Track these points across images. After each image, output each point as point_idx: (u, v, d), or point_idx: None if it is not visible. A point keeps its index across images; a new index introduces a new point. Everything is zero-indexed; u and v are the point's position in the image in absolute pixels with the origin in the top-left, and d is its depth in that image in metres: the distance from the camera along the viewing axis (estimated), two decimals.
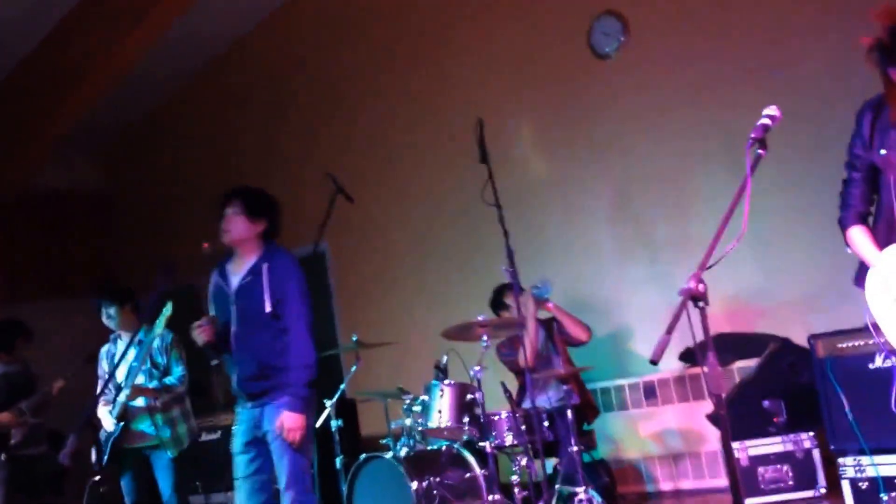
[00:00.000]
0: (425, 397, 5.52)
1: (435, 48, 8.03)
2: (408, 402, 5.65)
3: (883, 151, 3.25)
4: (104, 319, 5.98)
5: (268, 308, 4.30)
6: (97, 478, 5.50)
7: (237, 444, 4.43)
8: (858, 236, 3.36)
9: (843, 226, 3.42)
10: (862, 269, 3.35)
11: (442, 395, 5.40)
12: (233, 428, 4.50)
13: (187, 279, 6.11)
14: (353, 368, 6.19)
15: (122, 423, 5.65)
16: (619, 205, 6.93)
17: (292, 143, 9.26)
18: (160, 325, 5.52)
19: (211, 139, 10.10)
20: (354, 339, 6.11)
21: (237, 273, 4.46)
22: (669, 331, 2.68)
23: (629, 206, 6.87)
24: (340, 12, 8.83)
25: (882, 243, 3.28)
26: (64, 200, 10.75)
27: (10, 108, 9.03)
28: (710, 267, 2.81)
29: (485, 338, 5.29)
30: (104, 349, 6.11)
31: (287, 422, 4.22)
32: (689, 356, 6.09)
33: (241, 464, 4.40)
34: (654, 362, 2.70)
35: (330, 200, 6.35)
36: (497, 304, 6.13)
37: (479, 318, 5.32)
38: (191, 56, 9.69)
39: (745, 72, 6.18)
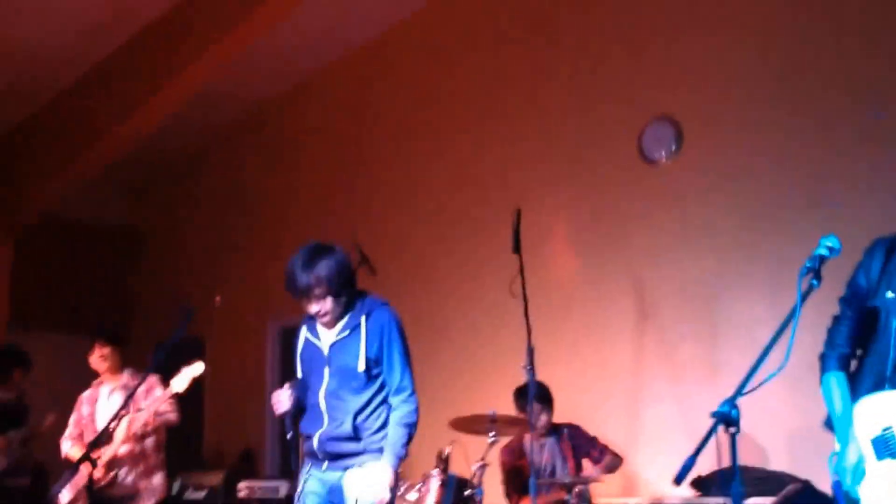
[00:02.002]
0: (422, 487, 5.33)
1: (481, 129, 7.96)
2: (402, 490, 5.44)
3: (890, 294, 3.17)
4: (94, 359, 5.93)
5: (361, 367, 4.05)
6: None
7: None
8: (835, 386, 3.33)
9: (823, 367, 3.39)
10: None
11: (439, 487, 5.22)
12: (299, 492, 4.15)
13: (196, 329, 5.95)
14: None
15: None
16: (646, 317, 6.74)
17: (315, 205, 9.16)
18: (183, 383, 5.41)
19: (239, 192, 10.05)
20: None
21: (331, 328, 4.18)
22: (697, 453, 2.65)
23: (656, 321, 6.69)
24: (384, 81, 8.82)
25: (867, 389, 3.21)
26: (86, 232, 10.66)
27: (48, 137, 9.03)
28: (746, 393, 2.75)
29: (492, 433, 5.13)
30: (86, 394, 6.04)
31: (381, 481, 3.93)
32: (702, 485, 5.79)
33: None
34: (677, 483, 2.63)
35: (355, 269, 6.24)
36: (518, 403, 5.92)
37: (491, 413, 5.18)
38: (229, 107, 9.71)
39: (798, 199, 6.04)
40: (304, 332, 4.28)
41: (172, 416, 5.83)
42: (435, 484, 5.33)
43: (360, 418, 4.04)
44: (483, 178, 7.81)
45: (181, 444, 6.26)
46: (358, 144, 8.95)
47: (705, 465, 5.18)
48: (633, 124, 6.86)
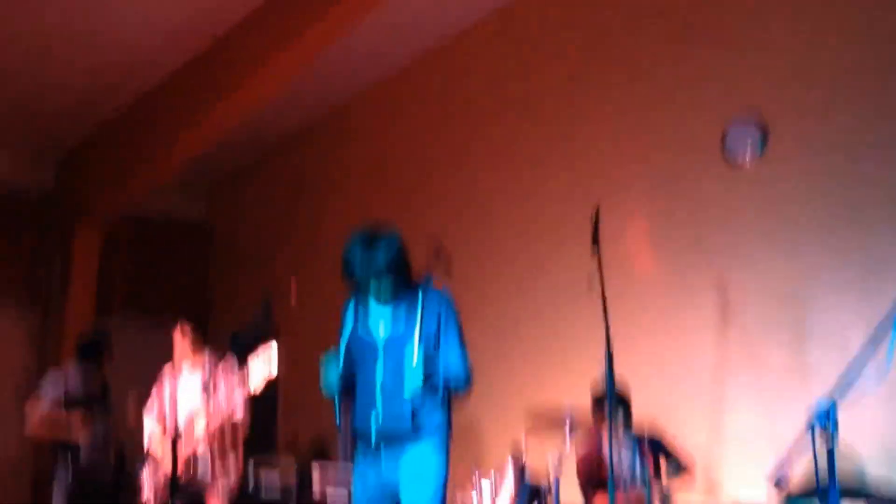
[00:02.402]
0: (496, 478, 5.29)
1: (560, 126, 7.86)
2: (478, 481, 5.40)
3: None
4: (177, 338, 6.06)
5: (415, 360, 4.04)
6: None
7: (357, 495, 4.16)
8: None
9: None
10: None
11: (514, 480, 5.17)
12: (352, 478, 4.20)
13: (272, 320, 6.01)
14: None
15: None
16: (729, 320, 6.56)
17: (390, 201, 9.17)
18: (257, 379, 5.46)
19: (314, 191, 10.11)
20: None
21: (384, 314, 4.17)
22: (795, 456, 2.56)
23: (739, 324, 6.48)
24: (461, 79, 8.82)
25: None
26: (167, 226, 10.90)
27: (133, 136, 9.22)
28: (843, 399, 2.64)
29: (569, 428, 5.07)
30: (167, 377, 6.16)
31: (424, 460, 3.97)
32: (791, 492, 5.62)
33: None
34: (778, 484, 2.54)
35: (427, 265, 6.24)
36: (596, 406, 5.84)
37: (567, 408, 5.11)
38: (307, 105, 9.82)
39: (890, 198, 5.81)
40: (352, 312, 4.25)
41: (240, 426, 5.92)
42: (509, 477, 5.28)
43: (414, 406, 4.02)
44: (562, 175, 7.71)
45: (256, 432, 6.31)
46: (435, 142, 8.95)
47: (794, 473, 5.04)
48: (717, 123, 6.69)
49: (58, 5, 7.65)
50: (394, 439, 4.03)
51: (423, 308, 4.09)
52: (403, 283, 4.11)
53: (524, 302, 7.76)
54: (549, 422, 5.30)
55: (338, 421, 4.22)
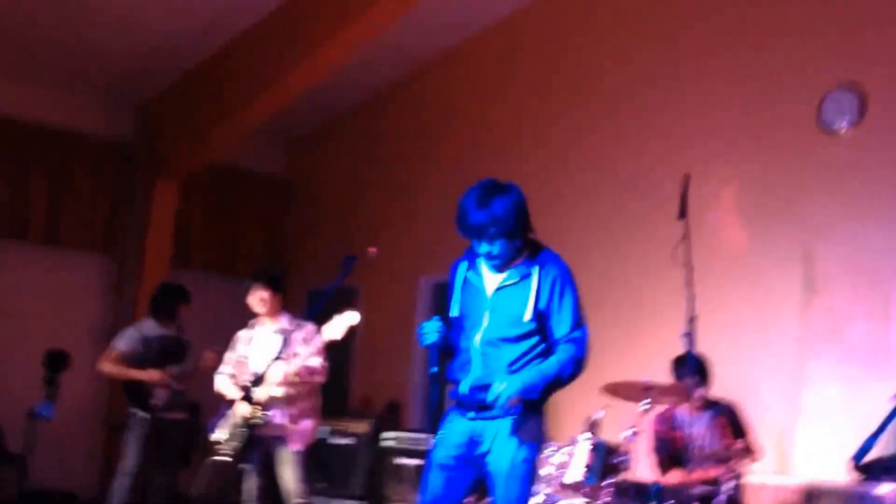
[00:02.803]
0: (570, 449, 5.23)
1: (649, 93, 7.71)
2: (552, 451, 5.34)
3: None
4: (253, 301, 6.06)
5: (528, 316, 3.82)
6: (221, 458, 5.52)
7: (440, 454, 3.90)
8: None
9: None
10: None
11: (588, 452, 5.11)
12: (436, 437, 3.95)
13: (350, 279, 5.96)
14: None
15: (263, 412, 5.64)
16: (814, 293, 6.40)
17: (473, 166, 8.91)
18: (338, 331, 5.41)
19: (398, 148, 10.06)
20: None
21: (500, 272, 3.94)
22: (878, 433, 2.47)
23: (825, 297, 6.34)
24: (551, 43, 8.64)
25: None
26: (244, 179, 10.93)
27: (214, 88, 9.22)
28: None
29: (646, 401, 4.98)
30: (244, 331, 6.18)
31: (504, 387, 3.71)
32: (870, 470, 5.47)
33: (436, 478, 3.88)
34: (856, 462, 2.43)
35: None
36: (676, 372, 5.73)
37: (645, 380, 5.02)
38: (391, 63, 9.69)
39: None
40: (462, 270, 4.04)
41: (320, 378, 5.90)
42: (583, 448, 5.23)
43: (513, 370, 3.80)
44: (651, 143, 7.56)
45: (329, 391, 6.33)
46: (521, 106, 8.80)
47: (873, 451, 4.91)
48: (813, 91, 6.49)
49: None
50: (486, 405, 3.78)
51: (540, 268, 3.88)
52: (519, 239, 3.89)
53: (609, 271, 7.61)
54: (626, 394, 5.21)
55: (432, 366, 3.96)
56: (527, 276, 3.87)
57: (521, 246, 3.91)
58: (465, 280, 4.01)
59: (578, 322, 3.86)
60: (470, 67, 9.42)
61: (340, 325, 5.40)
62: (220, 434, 5.82)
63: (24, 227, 9.29)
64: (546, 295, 3.84)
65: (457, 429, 3.90)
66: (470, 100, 9.40)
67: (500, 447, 3.80)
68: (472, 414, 3.87)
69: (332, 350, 5.78)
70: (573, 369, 3.80)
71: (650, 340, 6.79)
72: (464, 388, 3.88)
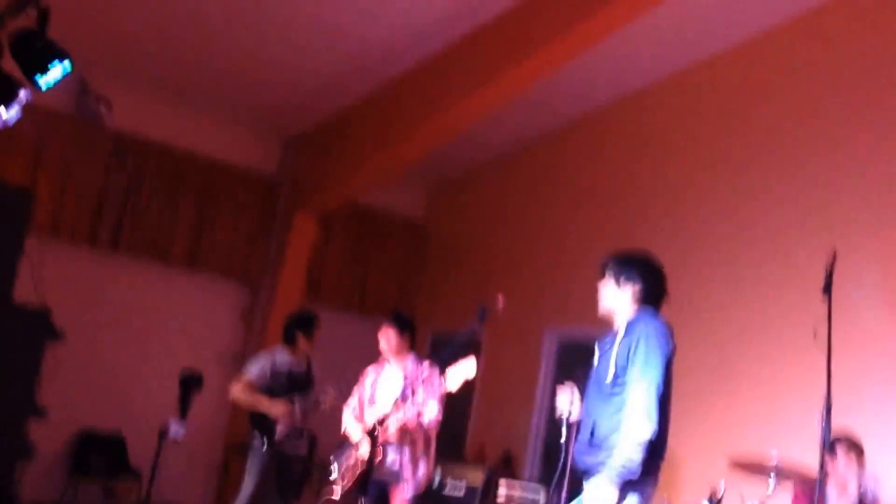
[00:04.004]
0: None
1: (797, 164, 7.55)
2: None
3: None
4: (381, 340, 6.09)
5: (608, 378, 4.02)
6: (335, 496, 5.55)
7: None
8: None
9: None
10: None
11: None
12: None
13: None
14: None
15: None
16: None
17: (615, 226, 8.97)
18: (457, 379, 5.45)
19: (535, 202, 10.06)
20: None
21: (610, 334, 4.25)
22: None
23: None
24: (691, 110, 8.62)
25: None
26: (381, 220, 11.07)
27: (360, 130, 9.43)
28: None
29: (771, 480, 4.78)
30: (370, 368, 6.22)
31: (592, 493, 3.87)
32: None
33: None
34: None
35: None
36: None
37: (774, 459, 4.82)
38: (537, 119, 9.78)
39: None
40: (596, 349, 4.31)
41: (434, 425, 5.91)
42: None
43: (599, 427, 3.98)
44: (795, 215, 7.40)
45: (445, 437, 6.31)
46: (656, 171, 8.78)
47: None
48: None
49: None
50: (584, 465, 4.03)
51: (626, 331, 4.09)
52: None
53: (745, 342, 7.46)
54: (753, 469, 5.02)
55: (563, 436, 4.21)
56: (615, 337, 4.13)
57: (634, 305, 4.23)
58: (601, 342, 4.28)
59: (641, 382, 3.93)
60: (609, 131, 9.43)
61: (458, 376, 5.43)
62: (336, 471, 5.85)
63: (168, 249, 9.59)
64: (625, 353, 4.02)
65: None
66: (607, 161, 9.39)
67: None
68: (581, 476, 4.07)
69: (452, 396, 5.77)
70: (635, 444, 3.85)
71: (783, 415, 6.60)
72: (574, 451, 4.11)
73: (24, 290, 6.13)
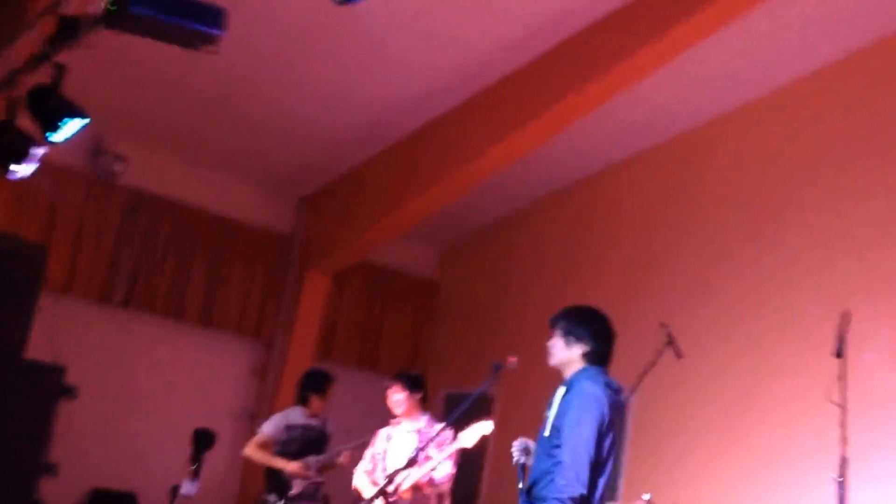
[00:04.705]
0: None
1: (807, 223, 7.55)
2: None
3: None
4: (390, 400, 6.07)
5: (547, 432, 4.11)
6: None
7: None
8: None
9: None
10: None
11: None
12: None
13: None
14: None
15: None
16: None
17: (620, 285, 9.01)
18: (471, 439, 5.43)
19: (550, 260, 10.06)
20: (648, 497, 5.59)
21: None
22: None
23: None
24: (706, 166, 8.66)
25: None
26: (393, 279, 11.10)
27: (370, 187, 9.53)
28: None
29: None
30: (384, 431, 6.18)
31: None
32: None
33: None
34: None
35: (657, 351, 6.14)
36: None
37: None
38: (547, 178, 9.87)
39: None
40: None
41: (447, 486, 5.87)
42: None
43: (536, 484, 4.07)
44: (806, 275, 7.38)
45: (458, 495, 6.24)
46: (669, 228, 8.80)
47: None
48: None
49: (318, 59, 8.00)
50: None
51: (565, 392, 4.18)
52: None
53: (753, 403, 7.41)
54: None
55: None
56: (556, 396, 4.18)
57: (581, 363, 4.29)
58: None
59: (568, 444, 3.99)
60: (622, 187, 9.47)
61: (474, 433, 5.40)
62: None
63: (181, 307, 9.62)
64: (563, 414, 4.07)
65: None
66: (620, 218, 9.42)
67: None
68: None
69: (465, 455, 5.73)
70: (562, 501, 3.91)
71: (797, 478, 6.50)
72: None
73: (38, 347, 6.15)
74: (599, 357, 4.27)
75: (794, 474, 6.63)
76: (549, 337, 4.38)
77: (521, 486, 4.19)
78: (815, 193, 7.58)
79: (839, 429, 4.75)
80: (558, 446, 4.02)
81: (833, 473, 4.84)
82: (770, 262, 7.73)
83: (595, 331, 4.30)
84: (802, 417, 6.72)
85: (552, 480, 3.98)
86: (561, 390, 4.19)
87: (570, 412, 4.03)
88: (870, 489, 5.65)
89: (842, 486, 4.75)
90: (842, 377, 4.85)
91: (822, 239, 7.38)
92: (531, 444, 4.28)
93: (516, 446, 4.30)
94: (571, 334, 4.28)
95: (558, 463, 3.98)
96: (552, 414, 4.12)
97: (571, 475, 3.91)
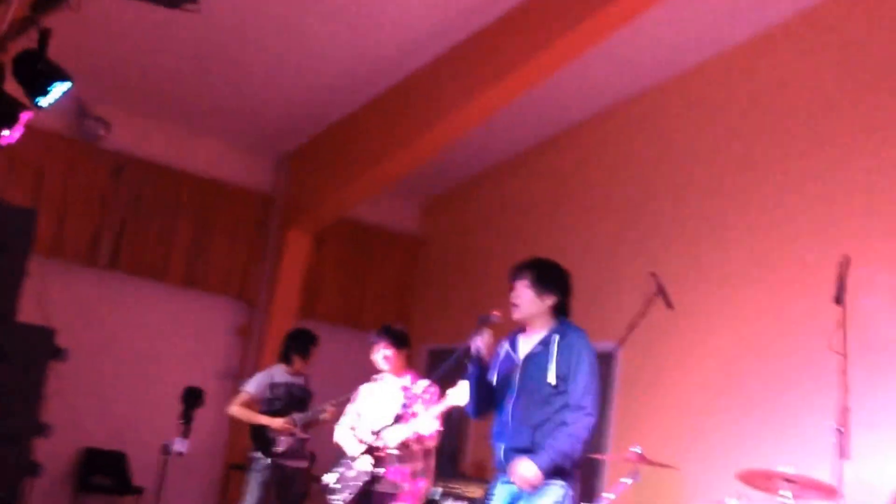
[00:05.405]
0: None
1: (807, 169, 7.45)
2: None
3: None
4: (377, 357, 6.09)
5: (551, 380, 4.14)
6: None
7: None
8: None
9: None
10: None
11: None
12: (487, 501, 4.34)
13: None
14: (629, 481, 5.71)
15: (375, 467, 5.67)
16: None
17: (614, 236, 9.01)
18: (463, 396, 5.43)
19: (535, 212, 10.07)
20: (638, 450, 5.67)
21: (527, 343, 4.35)
22: None
23: None
24: (696, 112, 8.57)
25: None
26: (376, 235, 11.12)
27: (352, 145, 9.48)
28: None
29: (789, 494, 4.77)
30: (366, 387, 6.21)
31: (522, 470, 4.05)
32: None
33: None
34: None
35: (646, 301, 6.14)
36: None
37: (786, 471, 4.80)
38: (529, 130, 9.83)
39: None
40: (505, 347, 4.44)
41: (432, 443, 5.90)
42: None
43: (539, 433, 4.11)
44: (806, 222, 7.32)
45: (445, 453, 6.31)
46: (665, 175, 8.71)
47: None
48: None
49: (296, 14, 7.95)
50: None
51: (560, 340, 4.24)
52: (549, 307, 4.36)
53: (749, 352, 7.38)
54: (763, 484, 4.98)
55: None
56: (549, 344, 4.24)
57: (549, 317, 4.35)
58: (506, 353, 4.41)
59: (587, 391, 4.15)
60: (608, 136, 9.42)
61: (465, 391, 5.40)
62: (334, 485, 5.86)
63: (166, 268, 9.62)
64: (565, 362, 4.17)
65: (500, 493, 4.25)
66: (605, 168, 9.39)
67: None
68: (509, 479, 4.17)
69: (451, 411, 5.77)
70: (575, 442, 4.09)
71: (795, 429, 6.52)
72: (501, 453, 4.24)
73: (27, 310, 6.13)
74: (565, 309, 4.39)
75: (794, 424, 6.63)
76: (511, 289, 4.41)
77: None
78: (812, 137, 7.49)
79: (839, 377, 4.76)
80: (562, 392, 4.13)
81: (833, 422, 4.85)
82: (764, 208, 7.67)
83: (563, 282, 4.40)
84: (801, 366, 6.71)
85: (564, 423, 4.10)
86: (554, 343, 4.23)
87: (583, 365, 4.16)
88: (871, 438, 5.67)
89: (842, 434, 4.77)
90: (841, 324, 4.86)
91: (818, 184, 7.30)
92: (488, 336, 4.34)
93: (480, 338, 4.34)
94: (542, 286, 4.34)
95: (564, 407, 4.12)
96: (552, 365, 4.17)
97: (591, 420, 4.11)
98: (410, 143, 8.83)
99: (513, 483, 4.16)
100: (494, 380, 4.39)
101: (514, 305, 4.36)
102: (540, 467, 4.04)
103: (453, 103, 8.28)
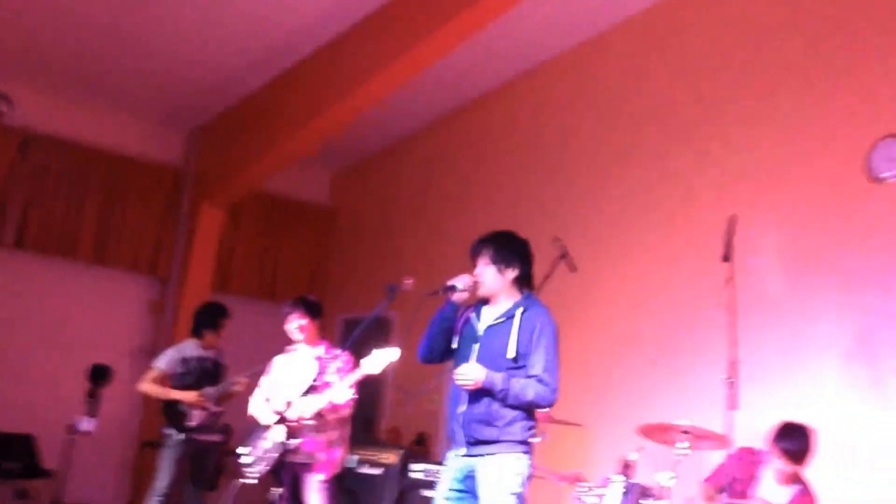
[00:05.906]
0: (602, 491, 5.17)
1: (698, 132, 7.64)
2: (584, 490, 5.29)
3: None
4: (290, 328, 6.06)
5: (510, 354, 4.17)
6: (247, 481, 5.53)
7: (442, 490, 4.29)
8: None
9: None
10: None
11: (622, 494, 5.05)
12: (441, 473, 4.36)
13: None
14: (537, 440, 5.77)
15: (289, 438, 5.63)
16: (859, 341, 6.25)
17: (515, 199, 9.13)
18: (377, 366, 5.43)
19: (443, 181, 10.11)
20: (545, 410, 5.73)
21: (490, 313, 4.37)
22: None
23: (870, 346, 6.18)
24: (595, 80, 8.71)
25: None
26: (288, 207, 11.06)
27: (261, 116, 9.39)
28: None
29: (686, 445, 4.90)
30: (280, 358, 6.19)
31: (469, 368, 4.14)
32: None
33: None
34: None
35: (551, 265, 6.22)
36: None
37: (682, 423, 4.95)
38: (437, 100, 9.86)
39: None
40: (470, 311, 4.46)
41: (347, 411, 5.90)
42: (616, 489, 5.17)
43: (496, 404, 4.13)
44: (698, 182, 7.51)
45: (360, 421, 6.31)
46: (564, 142, 8.84)
47: None
48: (863, 140, 6.41)
49: None
50: (476, 440, 4.18)
51: (523, 314, 4.26)
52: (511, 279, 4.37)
53: (646, 311, 7.58)
54: (662, 437, 5.13)
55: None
56: (512, 317, 4.25)
57: (513, 290, 4.38)
58: (467, 319, 4.42)
59: (550, 367, 4.20)
60: (510, 107, 9.52)
61: (381, 360, 5.42)
62: (249, 457, 5.82)
63: (73, 245, 9.48)
64: (527, 337, 4.21)
65: (454, 465, 4.27)
66: (509, 139, 9.49)
67: (489, 482, 4.11)
68: (464, 451, 4.20)
69: (366, 379, 5.77)
70: (541, 399, 4.17)
71: (689, 383, 6.69)
72: (457, 421, 4.23)
73: None
74: (528, 280, 4.42)
75: (689, 379, 6.81)
76: (474, 266, 4.41)
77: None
78: (702, 100, 7.67)
79: (729, 332, 4.90)
80: (520, 367, 4.18)
81: (723, 375, 4.98)
82: (659, 170, 7.83)
83: (523, 253, 4.42)
84: (694, 323, 6.90)
85: (539, 381, 4.16)
86: (516, 316, 4.25)
87: (544, 339, 4.21)
88: (758, 388, 5.88)
89: (732, 386, 4.91)
90: (729, 281, 4.99)
91: (708, 147, 7.50)
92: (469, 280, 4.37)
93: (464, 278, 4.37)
94: (502, 261, 4.35)
95: (529, 378, 4.16)
96: (513, 338, 4.20)
97: (555, 394, 4.20)
98: (320, 115, 8.77)
99: (468, 455, 4.19)
100: (455, 342, 4.41)
101: (479, 283, 4.37)
102: (487, 379, 4.09)
103: (361, 76, 8.24)
